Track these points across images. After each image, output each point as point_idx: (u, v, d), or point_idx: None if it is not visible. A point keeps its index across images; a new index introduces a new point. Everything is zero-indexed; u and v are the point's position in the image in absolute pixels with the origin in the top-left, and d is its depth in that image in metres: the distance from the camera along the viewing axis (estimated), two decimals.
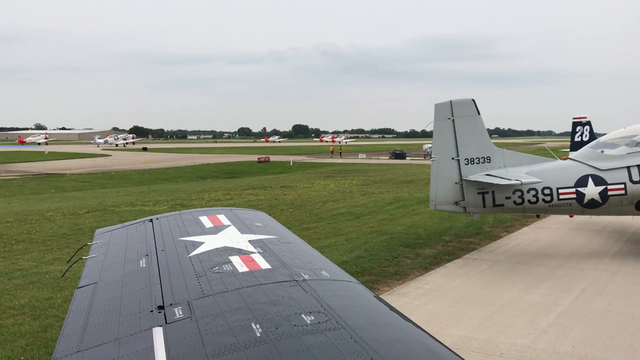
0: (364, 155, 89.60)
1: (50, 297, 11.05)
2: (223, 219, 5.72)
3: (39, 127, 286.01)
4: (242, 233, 5.09)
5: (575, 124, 35.82)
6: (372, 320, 3.20)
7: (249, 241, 4.77)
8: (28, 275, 12.89)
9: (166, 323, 3.22)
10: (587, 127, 35.21)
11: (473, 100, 14.50)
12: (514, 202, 13.93)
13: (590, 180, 13.97)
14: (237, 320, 3.09)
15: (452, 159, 14.31)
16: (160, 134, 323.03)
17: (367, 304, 3.54)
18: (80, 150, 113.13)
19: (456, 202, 14.32)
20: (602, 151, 14.56)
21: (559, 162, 15.29)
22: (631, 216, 15.46)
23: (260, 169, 64.73)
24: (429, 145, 71.06)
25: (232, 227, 5.35)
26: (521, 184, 13.56)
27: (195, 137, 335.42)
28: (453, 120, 14.34)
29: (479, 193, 14.07)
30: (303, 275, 3.84)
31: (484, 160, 14.34)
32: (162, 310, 3.41)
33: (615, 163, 14.16)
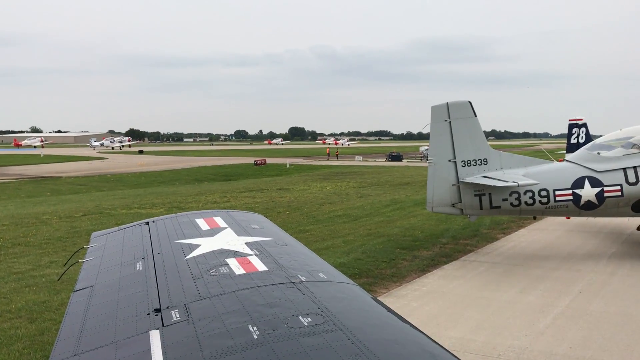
0: (361, 158, 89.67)
1: (46, 300, 11.01)
2: (219, 221, 5.71)
3: (35, 130, 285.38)
4: (238, 235, 5.08)
5: (571, 126, 35.92)
6: (369, 322, 3.20)
7: (246, 243, 4.77)
8: (24, 278, 12.85)
9: (163, 326, 3.21)
10: (583, 129, 35.32)
11: (470, 102, 14.53)
12: (511, 204, 13.95)
13: (586, 181, 14.00)
14: (234, 323, 3.08)
15: (449, 161, 14.33)
16: (156, 137, 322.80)
17: (364, 306, 3.54)
18: (76, 153, 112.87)
19: (453, 204, 14.34)
20: (599, 153, 14.60)
21: (556, 164, 15.32)
22: (627, 218, 15.49)
23: (257, 171, 64.71)
24: (426, 147, 71.17)
25: (229, 229, 5.34)
26: (518, 185, 13.58)
27: (191, 140, 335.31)
28: (450, 122, 14.36)
29: (475, 195, 14.09)
30: (300, 277, 3.83)
31: (480, 162, 14.36)
32: (159, 313, 3.40)
33: (611, 165, 14.20)
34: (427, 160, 15.18)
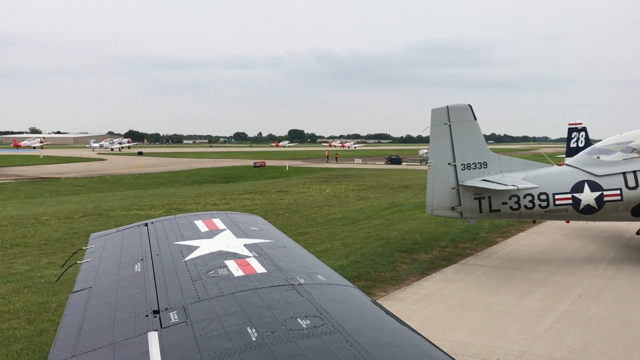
0: (360, 160, 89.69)
1: (45, 301, 10.99)
2: (218, 223, 5.71)
3: (34, 130, 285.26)
4: (237, 237, 5.07)
5: (571, 130, 36.01)
6: (368, 324, 3.19)
7: (245, 245, 4.76)
8: (23, 279, 12.83)
9: (161, 327, 3.20)
10: (583, 133, 35.41)
11: (470, 105, 14.53)
12: (511, 207, 13.95)
13: (586, 186, 14.01)
14: (232, 325, 3.07)
15: (449, 164, 14.33)
16: (155, 139, 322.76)
17: (363, 308, 3.53)
18: (75, 155, 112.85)
19: (453, 208, 14.33)
20: (598, 157, 14.60)
21: (555, 168, 15.32)
22: (627, 222, 15.50)
23: (256, 173, 64.69)
24: (425, 150, 71.25)
25: (228, 231, 5.33)
26: (517, 189, 13.58)
27: (191, 142, 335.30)
28: (450, 125, 14.36)
29: (475, 198, 14.09)
30: (299, 279, 3.83)
31: (480, 165, 14.36)
32: (158, 315, 3.40)
33: (611, 169, 14.20)
34: (427, 163, 15.17)
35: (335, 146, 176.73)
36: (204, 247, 4.79)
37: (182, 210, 25.42)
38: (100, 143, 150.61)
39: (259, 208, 26.09)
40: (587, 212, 14.13)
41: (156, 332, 3.14)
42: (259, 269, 4.06)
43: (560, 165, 16.26)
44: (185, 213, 6.92)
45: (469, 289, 12.25)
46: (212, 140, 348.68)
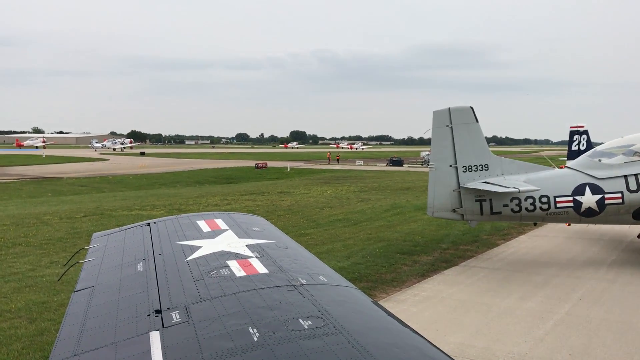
0: (361, 162, 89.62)
1: (46, 300, 11.01)
2: (221, 223, 5.72)
3: (37, 130, 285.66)
4: (239, 237, 5.08)
5: (572, 133, 35.94)
6: (370, 325, 3.20)
7: (247, 246, 4.77)
8: (24, 278, 12.85)
9: (163, 327, 3.21)
10: (585, 136, 35.34)
11: (471, 107, 14.54)
12: (512, 210, 13.95)
13: (587, 188, 14.00)
14: (234, 325, 3.08)
15: (450, 166, 14.33)
16: (158, 139, 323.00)
17: (364, 309, 3.54)
18: (77, 154, 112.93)
19: (454, 210, 14.33)
20: (600, 160, 14.60)
21: (557, 171, 15.31)
22: (628, 225, 15.48)
23: (257, 174, 64.68)
24: (427, 152, 71.18)
25: (230, 231, 5.34)
26: (519, 191, 13.58)
27: (193, 142, 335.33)
28: (451, 127, 14.37)
29: (476, 200, 14.09)
30: (300, 280, 3.83)
31: (481, 167, 14.36)
32: (159, 315, 3.41)
33: (612, 172, 14.20)
34: (428, 165, 15.17)
35: (343, 147, 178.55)
36: (206, 247, 4.80)
37: (184, 210, 25.43)
38: (102, 143, 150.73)
39: (261, 209, 26.09)
40: (588, 215, 14.12)
41: (158, 332, 3.15)
42: (261, 269, 4.07)
43: (561, 167, 16.25)
44: (187, 213, 6.93)
45: (470, 291, 12.25)
46: (214, 141, 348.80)
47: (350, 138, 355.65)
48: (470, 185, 14.03)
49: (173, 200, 31.18)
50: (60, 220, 22.40)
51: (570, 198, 13.94)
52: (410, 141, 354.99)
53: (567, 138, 36.69)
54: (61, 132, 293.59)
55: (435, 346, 2.99)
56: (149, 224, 6.07)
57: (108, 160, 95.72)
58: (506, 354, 8.65)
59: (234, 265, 4.18)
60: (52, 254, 15.76)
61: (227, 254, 4.52)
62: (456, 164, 14.30)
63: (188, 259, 4.51)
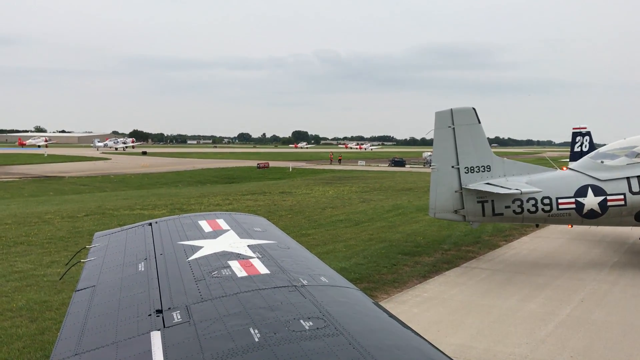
0: (363, 162, 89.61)
1: (47, 299, 11.01)
2: (222, 223, 5.72)
3: (39, 129, 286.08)
4: (241, 238, 5.08)
5: (575, 134, 35.92)
6: (371, 327, 3.19)
7: (248, 246, 4.77)
8: (26, 277, 12.86)
9: (164, 327, 3.21)
10: (587, 137, 35.33)
11: (474, 108, 14.52)
12: (514, 211, 13.93)
13: (589, 190, 13.97)
14: (235, 325, 3.08)
15: (452, 167, 14.32)
16: (160, 139, 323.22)
17: (365, 310, 3.53)
18: (79, 154, 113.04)
19: (455, 211, 14.32)
20: (602, 162, 14.57)
21: (559, 172, 15.29)
22: (630, 227, 15.45)
23: (259, 174, 64.71)
24: (429, 153, 71.14)
25: (231, 231, 5.34)
26: (521, 193, 13.56)
27: (195, 142, 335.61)
28: (453, 128, 14.35)
29: (478, 202, 14.07)
30: (302, 280, 3.83)
31: (483, 169, 14.35)
32: (161, 314, 3.41)
33: (615, 174, 14.17)
34: (430, 166, 15.16)
35: (352, 148, 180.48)
36: (208, 247, 4.80)
37: (186, 210, 25.45)
38: (104, 142, 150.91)
39: (262, 209, 26.10)
40: (591, 217, 14.10)
41: (159, 332, 3.14)
42: (262, 269, 4.07)
43: (564, 169, 16.23)
44: (188, 213, 6.93)
45: (472, 292, 12.24)
46: (216, 140, 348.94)
47: (352, 138, 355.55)
48: (472, 186, 14.02)
49: (175, 199, 31.20)
50: (61, 220, 22.43)
51: (573, 200, 13.92)
52: (412, 142, 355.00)
53: (569, 139, 36.67)
54: (63, 131, 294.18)
55: (436, 347, 2.98)
56: (150, 224, 6.07)
57: (110, 159, 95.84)
58: (507, 355, 8.63)
59: (235, 265, 4.18)
60: (53, 253, 15.77)
61: (229, 254, 4.52)
62: (458, 165, 14.29)
63: (189, 259, 4.50)
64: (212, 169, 71.95)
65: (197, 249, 4.77)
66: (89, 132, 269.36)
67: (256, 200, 31.10)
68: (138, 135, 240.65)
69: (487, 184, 14.03)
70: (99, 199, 33.83)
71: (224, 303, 3.44)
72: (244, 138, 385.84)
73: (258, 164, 75.12)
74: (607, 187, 14.01)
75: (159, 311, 3.46)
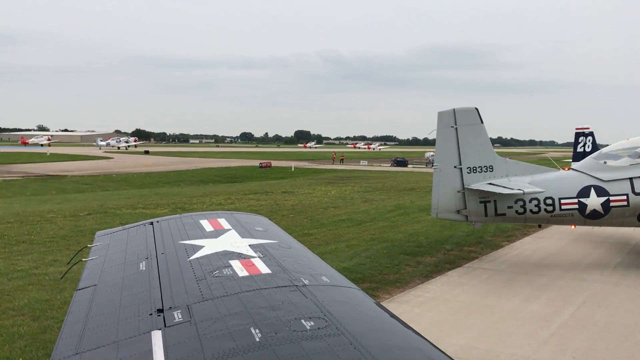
0: (366, 162, 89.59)
1: (49, 298, 11.03)
2: (224, 222, 5.71)
3: (42, 128, 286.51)
4: (242, 237, 5.07)
5: (577, 135, 35.84)
6: (372, 327, 3.18)
7: (250, 245, 4.76)
8: (28, 276, 12.87)
9: (165, 326, 3.20)
10: (590, 137, 35.25)
11: (476, 108, 14.50)
12: (516, 211, 13.90)
13: (592, 191, 13.94)
14: (236, 325, 3.07)
15: (455, 167, 14.30)
16: (162, 138, 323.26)
17: (367, 311, 3.52)
18: (82, 153, 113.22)
19: (458, 211, 14.30)
20: (605, 162, 14.54)
21: (562, 173, 15.26)
22: (633, 228, 15.41)
23: (261, 174, 64.76)
24: (431, 153, 71.13)
25: (233, 231, 5.33)
26: (523, 193, 13.54)
27: (197, 141, 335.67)
28: (456, 128, 14.33)
29: (481, 202, 14.05)
30: (303, 280, 3.82)
31: (486, 169, 14.32)
32: (162, 314, 3.40)
33: (617, 174, 14.14)
34: (433, 166, 15.15)
35: (360, 147, 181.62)
36: (209, 246, 4.79)
37: (188, 209, 25.46)
38: (107, 141, 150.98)
39: (264, 208, 26.10)
40: (593, 217, 14.07)
41: (160, 331, 3.14)
42: (264, 269, 4.06)
43: (566, 169, 16.20)
44: (190, 212, 6.92)
45: (474, 292, 12.22)
46: (218, 140, 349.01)
47: (354, 138, 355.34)
48: (474, 186, 14.00)
49: (177, 199, 31.23)
50: (64, 218, 22.46)
51: (575, 200, 13.89)
52: (414, 142, 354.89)
53: (572, 140, 36.59)
54: (66, 130, 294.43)
55: (438, 348, 2.97)
56: (152, 223, 6.06)
57: (112, 158, 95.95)
58: (510, 356, 8.61)
59: (236, 265, 4.17)
60: (55, 251, 15.79)
61: (230, 253, 4.51)
62: (461, 165, 14.27)
63: (191, 258, 4.50)
64: (215, 168, 72.00)
65: (198, 248, 4.76)
66: (91, 131, 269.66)
67: (258, 199, 31.11)
68: (140, 134, 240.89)
69: (490, 184, 14.01)
70: (101, 198, 33.88)
71: (225, 303, 3.43)
72: (247, 137, 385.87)
73: (260, 164, 75.16)
74: (610, 188, 13.98)
75: (160, 310, 3.45)
